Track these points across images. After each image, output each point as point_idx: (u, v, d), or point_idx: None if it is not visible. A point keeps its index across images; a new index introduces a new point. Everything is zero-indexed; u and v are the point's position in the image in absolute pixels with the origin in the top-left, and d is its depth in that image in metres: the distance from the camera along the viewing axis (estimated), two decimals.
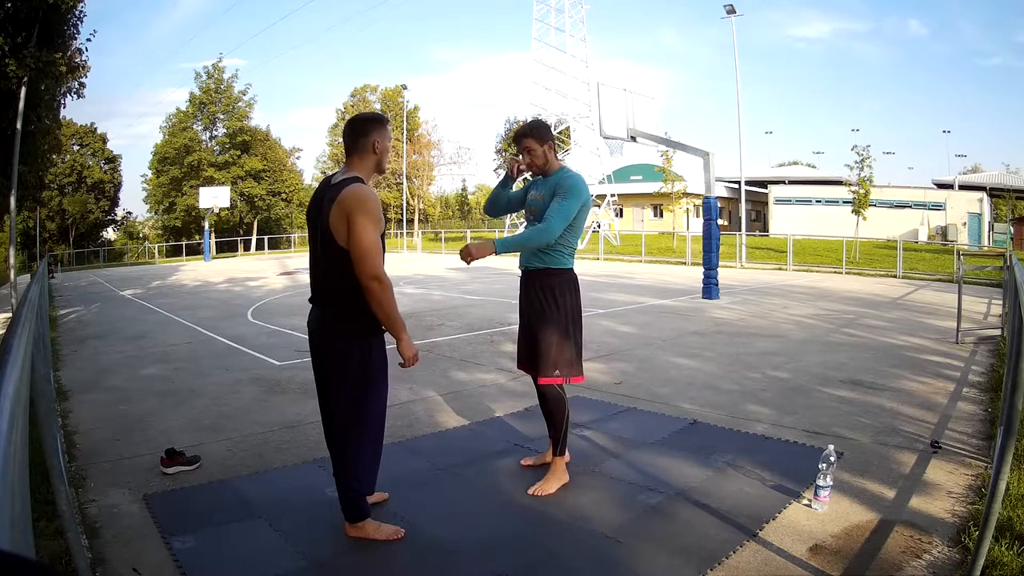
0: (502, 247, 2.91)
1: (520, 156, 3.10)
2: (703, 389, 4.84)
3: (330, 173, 2.61)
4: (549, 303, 2.99)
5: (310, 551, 2.47)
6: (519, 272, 3.16)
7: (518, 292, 3.18)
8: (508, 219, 34.26)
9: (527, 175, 3.20)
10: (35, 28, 8.42)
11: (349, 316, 2.43)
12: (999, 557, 2.27)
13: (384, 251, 2.46)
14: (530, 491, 2.97)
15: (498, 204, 3.28)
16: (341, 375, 2.46)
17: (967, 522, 2.62)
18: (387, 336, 2.51)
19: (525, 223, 3.21)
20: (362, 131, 2.50)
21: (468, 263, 2.92)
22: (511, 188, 3.29)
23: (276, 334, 7.71)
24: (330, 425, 2.56)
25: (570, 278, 3.05)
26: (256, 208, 41.65)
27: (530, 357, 3.07)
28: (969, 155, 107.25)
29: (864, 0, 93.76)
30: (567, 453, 3.15)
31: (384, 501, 2.89)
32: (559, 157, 3.23)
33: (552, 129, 3.08)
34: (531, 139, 3.05)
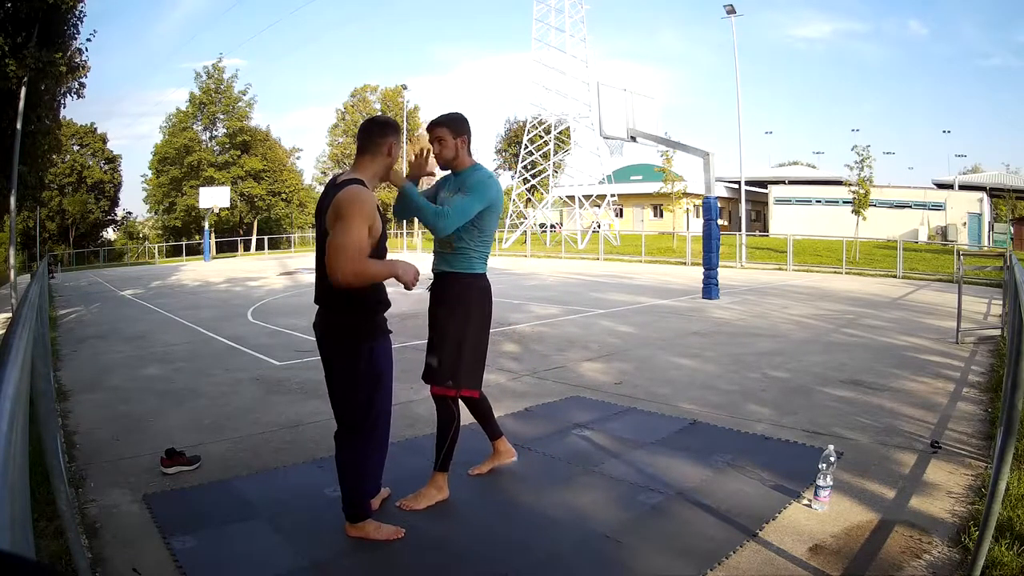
0: (407, 190, 2.71)
1: (431, 146, 2.89)
2: (703, 389, 4.84)
3: (337, 172, 2.61)
4: (453, 310, 2.83)
5: (310, 551, 2.47)
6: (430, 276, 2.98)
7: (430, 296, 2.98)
8: (507, 220, 34.31)
9: (434, 173, 3.00)
10: (35, 28, 8.42)
11: (352, 318, 2.43)
12: (999, 557, 2.27)
13: (382, 253, 2.46)
14: (398, 503, 2.83)
15: (407, 207, 2.82)
16: (348, 376, 2.47)
17: (967, 522, 2.62)
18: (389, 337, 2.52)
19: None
20: (380, 133, 2.50)
21: (412, 168, 2.81)
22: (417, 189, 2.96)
23: (276, 334, 7.71)
24: (339, 425, 2.58)
25: (479, 285, 2.87)
26: (256, 208, 41.65)
27: (426, 364, 2.90)
28: (969, 155, 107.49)
29: (864, 0, 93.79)
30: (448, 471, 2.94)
31: (387, 497, 2.90)
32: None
33: (468, 124, 2.94)
34: (444, 128, 2.84)
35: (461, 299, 2.84)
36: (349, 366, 2.46)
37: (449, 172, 2.97)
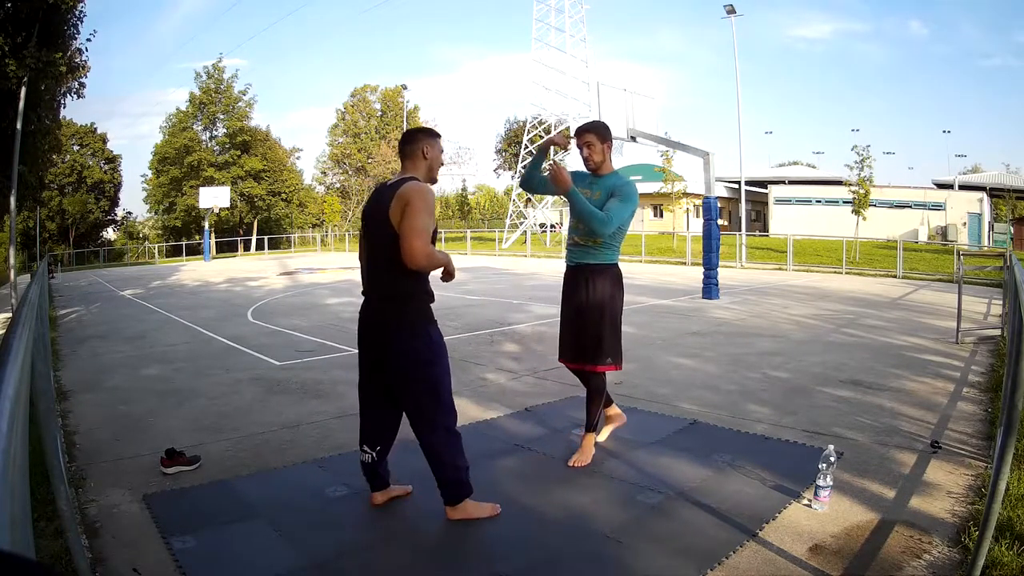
0: (572, 195, 3.07)
1: (581, 150, 3.23)
2: (703, 389, 4.84)
3: (384, 180, 2.83)
4: (603, 297, 3.20)
5: (310, 551, 2.47)
6: (564, 268, 3.38)
7: (564, 286, 3.37)
8: (508, 221, 34.30)
9: (557, 157, 3.29)
10: (35, 28, 8.41)
11: (410, 307, 2.59)
12: (999, 557, 2.27)
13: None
14: (570, 462, 3.27)
15: (532, 182, 3.43)
16: (412, 366, 2.58)
17: (967, 522, 2.62)
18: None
19: (570, 221, 3.37)
20: (411, 139, 2.73)
21: (552, 181, 3.08)
22: (542, 164, 3.44)
23: (276, 334, 7.71)
24: (386, 412, 2.73)
25: (616, 273, 3.26)
26: (256, 208, 41.64)
27: (577, 347, 3.28)
28: (969, 155, 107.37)
29: (865, 1, 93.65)
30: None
31: (407, 495, 2.94)
32: (561, 159, 3.38)
33: (611, 132, 3.35)
34: (593, 135, 3.20)
35: (615, 285, 3.24)
36: (415, 347, 2.57)
37: (585, 171, 3.31)
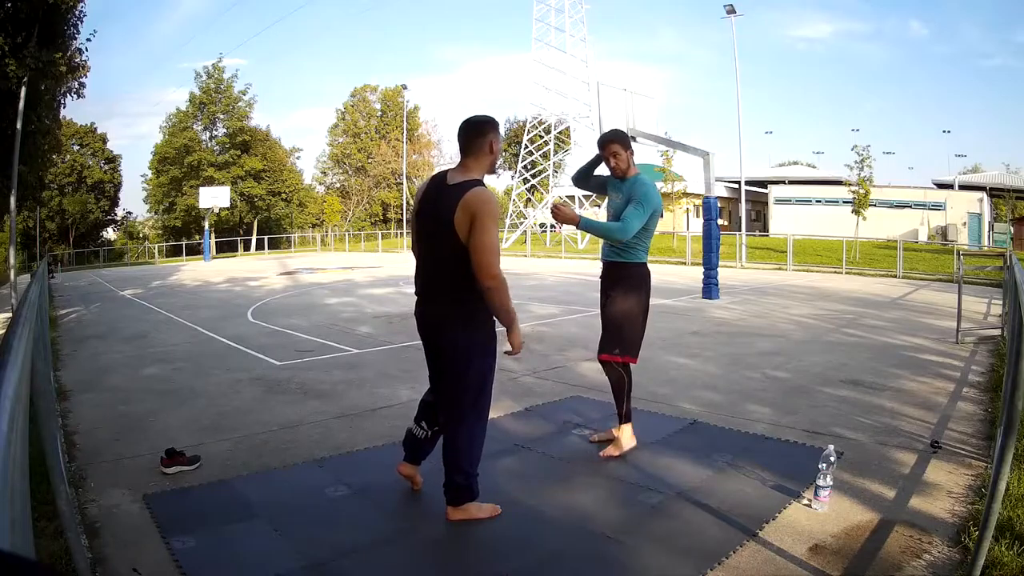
0: (585, 224, 3.31)
1: (607, 160, 3.43)
2: (703, 389, 4.84)
3: (441, 171, 2.73)
4: (628, 293, 3.40)
5: (310, 551, 2.47)
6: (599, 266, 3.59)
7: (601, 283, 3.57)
8: (507, 221, 34.30)
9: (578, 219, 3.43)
10: (35, 28, 8.41)
11: (466, 310, 2.56)
12: (999, 557, 2.27)
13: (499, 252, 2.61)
14: (602, 453, 3.43)
15: (588, 180, 3.73)
16: (461, 365, 2.59)
17: (967, 522, 2.62)
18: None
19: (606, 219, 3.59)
20: (479, 131, 2.59)
21: (557, 221, 3.27)
22: (598, 165, 3.66)
23: (276, 334, 7.71)
24: (442, 410, 2.75)
25: (642, 272, 3.45)
26: (256, 208, 41.64)
27: (600, 340, 3.50)
28: (969, 155, 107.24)
29: (865, 1, 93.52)
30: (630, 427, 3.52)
31: (416, 489, 3.00)
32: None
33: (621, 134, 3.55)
34: (618, 144, 3.40)
35: (634, 283, 3.42)
36: (462, 356, 2.59)
37: (611, 175, 3.53)
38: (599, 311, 3.61)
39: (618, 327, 3.42)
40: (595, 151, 3.57)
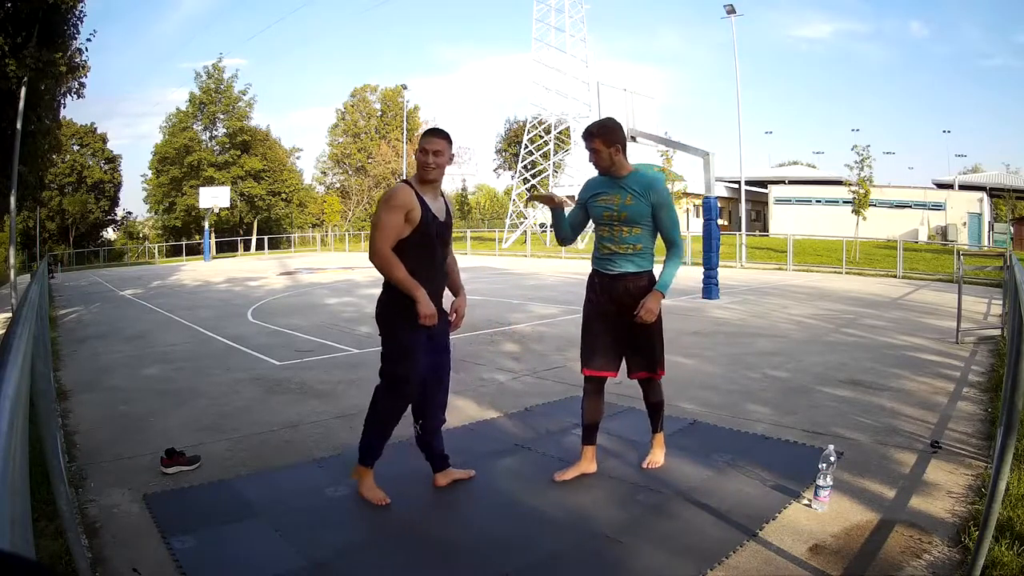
0: (666, 289, 3.01)
1: (589, 154, 3.06)
2: (703, 389, 4.84)
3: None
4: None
5: (310, 551, 2.47)
6: (588, 273, 3.29)
7: (594, 294, 3.18)
8: (507, 221, 34.29)
9: (568, 206, 3.21)
10: (35, 28, 8.41)
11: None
12: (999, 557, 2.27)
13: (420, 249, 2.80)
14: (644, 464, 3.29)
15: (565, 233, 3.28)
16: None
17: (967, 522, 2.61)
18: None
19: (595, 226, 3.18)
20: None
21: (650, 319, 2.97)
22: (565, 215, 3.24)
23: (276, 334, 7.71)
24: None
25: (653, 277, 3.12)
26: (256, 208, 41.63)
27: (632, 356, 3.13)
28: (969, 155, 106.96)
29: (865, 1, 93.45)
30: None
31: (462, 479, 3.12)
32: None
33: (621, 130, 3.12)
34: (598, 140, 2.97)
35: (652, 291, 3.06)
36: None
37: (597, 175, 3.15)
38: (602, 322, 3.13)
39: (654, 345, 3.10)
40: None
